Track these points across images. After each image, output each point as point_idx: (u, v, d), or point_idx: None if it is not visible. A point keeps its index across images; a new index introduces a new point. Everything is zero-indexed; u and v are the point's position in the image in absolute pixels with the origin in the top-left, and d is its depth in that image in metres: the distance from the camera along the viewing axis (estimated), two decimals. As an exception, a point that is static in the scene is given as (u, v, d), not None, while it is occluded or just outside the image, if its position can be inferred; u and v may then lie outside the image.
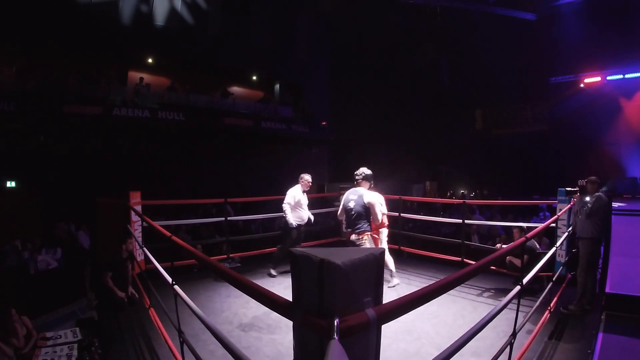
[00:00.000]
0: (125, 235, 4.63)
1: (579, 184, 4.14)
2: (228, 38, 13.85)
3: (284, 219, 5.36)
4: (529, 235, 2.62)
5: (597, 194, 4.00)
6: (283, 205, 5.29)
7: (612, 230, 4.10)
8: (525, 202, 7.70)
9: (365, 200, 4.02)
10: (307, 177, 5.49)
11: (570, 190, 4.35)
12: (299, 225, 5.37)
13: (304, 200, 5.46)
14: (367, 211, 4.04)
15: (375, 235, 4.73)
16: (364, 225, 4.03)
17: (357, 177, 4.17)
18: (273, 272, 5.41)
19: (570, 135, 13.89)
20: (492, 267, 4.61)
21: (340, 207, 4.28)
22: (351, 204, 4.02)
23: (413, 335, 3.46)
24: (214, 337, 1.87)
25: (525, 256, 4.34)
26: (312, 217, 5.56)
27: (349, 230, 4.05)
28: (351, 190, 4.17)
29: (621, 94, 13.37)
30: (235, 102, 13.93)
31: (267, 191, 8.19)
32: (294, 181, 5.52)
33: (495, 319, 1.96)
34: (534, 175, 13.60)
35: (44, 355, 3.57)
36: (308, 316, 1.23)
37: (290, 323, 1.33)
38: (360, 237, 4.00)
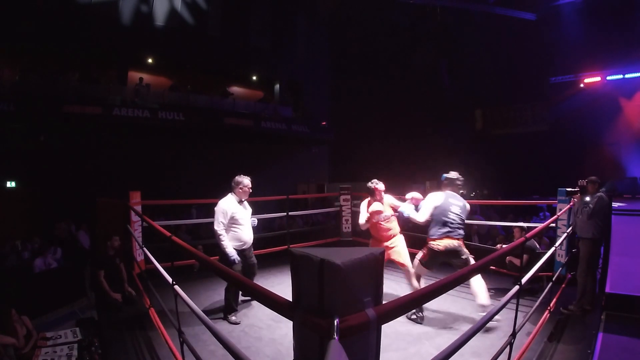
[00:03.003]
0: (110, 233, 4.63)
1: (579, 184, 4.12)
2: (228, 38, 13.86)
3: (218, 247, 3.76)
4: (528, 235, 2.62)
5: (598, 194, 3.98)
6: (216, 229, 3.68)
7: (612, 230, 4.10)
8: (525, 202, 7.72)
9: (468, 207, 3.84)
10: (245, 182, 3.86)
11: (571, 191, 4.34)
12: (242, 250, 3.83)
13: (243, 213, 3.85)
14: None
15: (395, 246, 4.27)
16: (463, 232, 3.77)
17: (458, 182, 3.81)
18: (234, 318, 3.83)
19: (570, 135, 13.86)
20: (492, 267, 4.62)
21: (430, 210, 3.73)
22: (456, 209, 3.71)
23: (413, 335, 3.46)
24: (214, 337, 1.87)
25: (525, 256, 4.35)
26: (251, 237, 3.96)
27: (446, 235, 3.65)
28: (448, 194, 3.78)
29: (621, 94, 13.34)
30: (235, 102, 13.93)
31: (267, 191, 8.20)
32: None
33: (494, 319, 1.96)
34: (534, 175, 13.57)
35: (44, 355, 3.58)
36: (308, 316, 1.23)
37: (290, 323, 1.33)
38: (462, 243, 3.71)
